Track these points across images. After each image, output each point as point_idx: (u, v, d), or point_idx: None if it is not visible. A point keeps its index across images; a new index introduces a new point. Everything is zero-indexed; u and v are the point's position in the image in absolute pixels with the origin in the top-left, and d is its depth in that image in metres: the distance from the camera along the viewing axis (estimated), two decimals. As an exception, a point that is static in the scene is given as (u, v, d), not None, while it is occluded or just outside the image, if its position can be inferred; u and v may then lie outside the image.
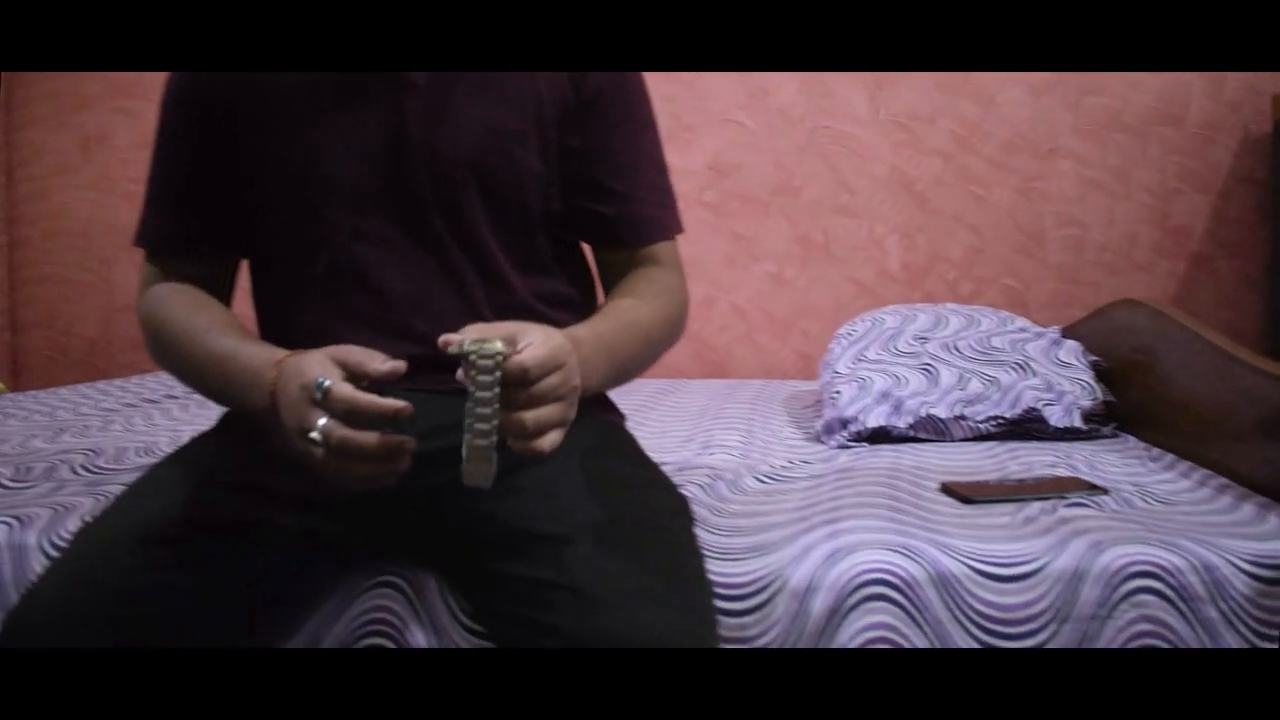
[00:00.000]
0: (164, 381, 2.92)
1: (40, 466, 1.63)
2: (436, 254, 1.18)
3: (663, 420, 2.25)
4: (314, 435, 0.93)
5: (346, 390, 0.93)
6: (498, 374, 0.88)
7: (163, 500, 1.09)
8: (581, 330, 1.09)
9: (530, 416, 0.92)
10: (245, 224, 1.23)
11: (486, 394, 0.88)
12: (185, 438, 1.92)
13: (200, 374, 1.17)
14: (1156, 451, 1.80)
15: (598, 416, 1.27)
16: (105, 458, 1.73)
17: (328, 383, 0.93)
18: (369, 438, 0.92)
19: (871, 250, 3.31)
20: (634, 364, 1.18)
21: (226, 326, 1.17)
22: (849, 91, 3.28)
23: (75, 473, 1.61)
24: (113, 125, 3.79)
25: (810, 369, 3.32)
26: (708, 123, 3.35)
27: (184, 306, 1.20)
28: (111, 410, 2.39)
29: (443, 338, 0.93)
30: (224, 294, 1.29)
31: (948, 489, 1.49)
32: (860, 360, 2.16)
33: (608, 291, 1.27)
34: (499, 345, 0.89)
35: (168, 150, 1.25)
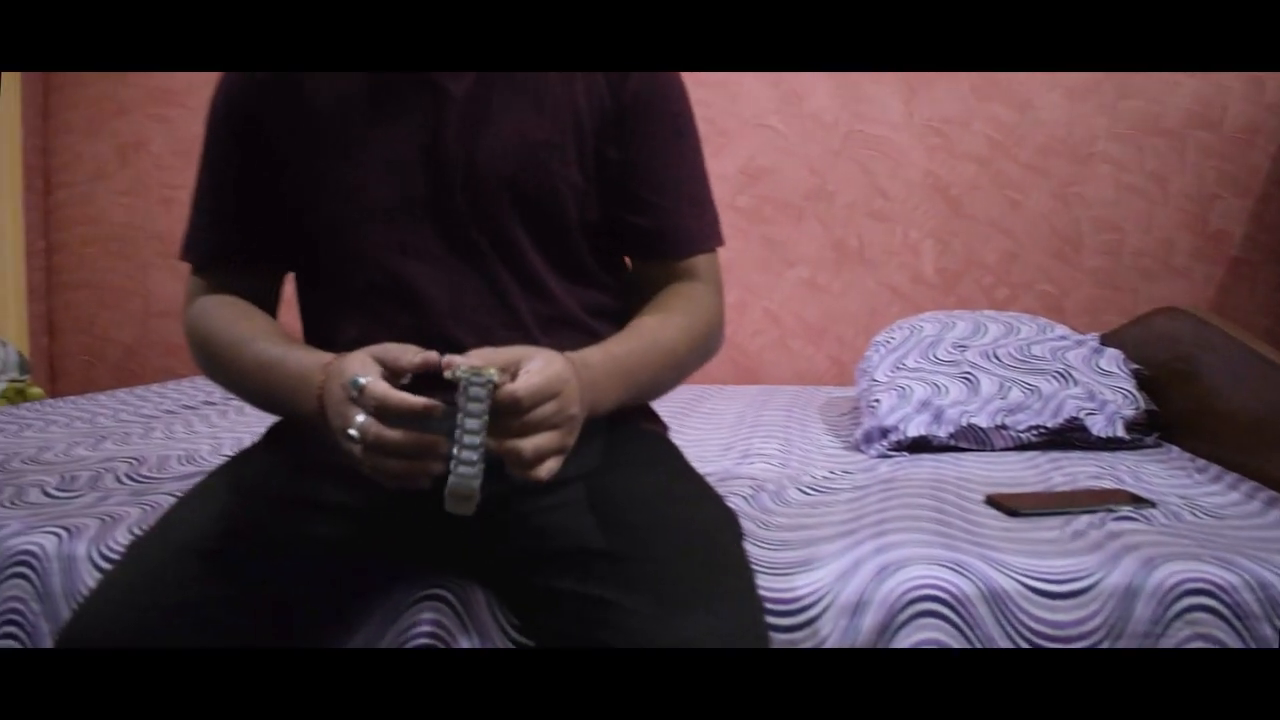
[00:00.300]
0: (201, 387, 2.94)
1: (85, 475, 1.65)
2: (478, 266, 1.18)
3: (700, 428, 2.24)
4: (352, 432, 0.94)
5: (380, 388, 0.93)
6: (488, 401, 0.89)
7: (213, 514, 1.10)
8: (594, 353, 1.08)
9: (526, 445, 0.92)
10: (289, 238, 1.24)
11: (475, 421, 0.88)
12: (226, 445, 1.95)
13: (249, 383, 1.18)
14: (1201, 462, 1.78)
15: (640, 427, 1.27)
16: (148, 466, 1.74)
17: (364, 380, 0.94)
18: (400, 434, 0.93)
19: (906, 255, 3.30)
20: (655, 384, 1.18)
21: (272, 335, 1.18)
22: (883, 95, 3.27)
23: (120, 481, 1.62)
24: (150, 132, 3.82)
25: (844, 375, 3.31)
26: (741, 127, 3.35)
27: (229, 318, 1.20)
28: (151, 417, 2.41)
29: (445, 358, 0.94)
30: (269, 306, 1.29)
31: (993, 501, 1.48)
32: (899, 368, 2.15)
33: (643, 305, 1.26)
34: (493, 373, 0.89)
35: (212, 165, 1.25)
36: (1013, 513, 1.41)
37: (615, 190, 1.22)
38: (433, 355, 0.97)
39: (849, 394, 2.84)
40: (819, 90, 3.30)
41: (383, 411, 0.93)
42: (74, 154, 3.89)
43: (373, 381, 0.94)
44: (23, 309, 3.79)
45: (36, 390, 3.28)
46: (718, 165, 3.29)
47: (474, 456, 0.89)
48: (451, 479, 0.89)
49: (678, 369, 1.20)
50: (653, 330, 1.17)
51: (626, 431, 1.21)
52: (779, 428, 2.24)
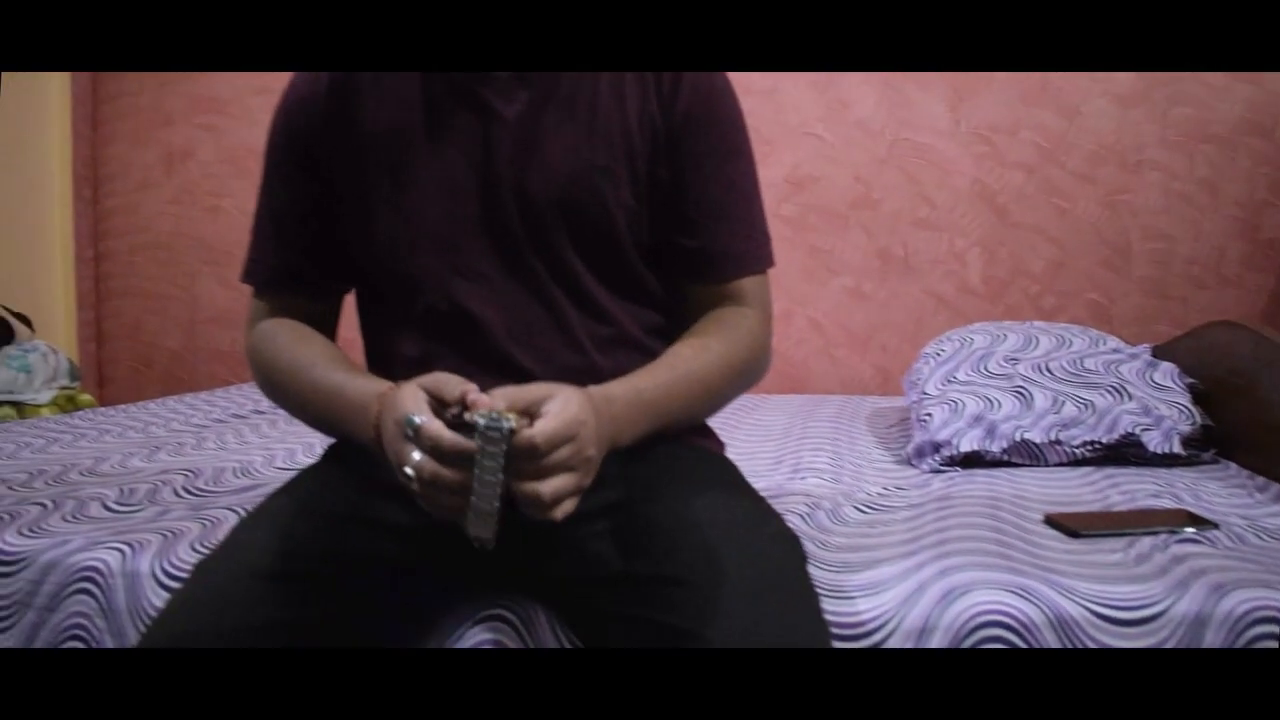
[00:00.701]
0: (249, 395, 2.96)
1: (143, 488, 1.66)
2: (534, 289, 1.18)
3: (748, 439, 2.24)
4: (408, 470, 0.96)
5: (434, 429, 0.94)
6: (504, 447, 0.91)
7: (276, 535, 1.11)
8: (619, 388, 1.08)
9: (544, 489, 0.94)
10: (348, 261, 1.25)
11: (491, 464, 0.91)
12: (278, 456, 1.96)
13: (309, 409, 1.19)
14: (1261, 480, 1.76)
15: (696, 446, 1.26)
16: (204, 478, 1.76)
17: (419, 420, 0.95)
18: (455, 475, 0.94)
19: (952, 264, 3.27)
20: (686, 415, 1.17)
21: (331, 360, 1.19)
22: (929, 103, 3.25)
23: (177, 495, 1.64)
24: (196, 141, 3.86)
25: (889, 384, 3.30)
26: (786, 135, 3.34)
27: (289, 343, 1.21)
28: (202, 426, 2.43)
29: (471, 397, 0.95)
30: (329, 326, 1.30)
31: (1053, 521, 1.46)
32: (950, 381, 2.14)
33: (690, 328, 1.25)
34: (510, 420, 0.91)
35: (271, 190, 1.26)
36: (1073, 534, 1.39)
37: (665, 211, 1.21)
38: (471, 388, 0.98)
39: (896, 404, 2.83)
40: (865, 98, 3.29)
41: (437, 452, 0.94)
42: (122, 163, 3.93)
43: (427, 422, 0.95)
44: (72, 316, 3.84)
45: (87, 397, 3.32)
46: (762, 173, 3.24)
47: (491, 496, 0.91)
48: (469, 519, 0.92)
49: (712, 398, 1.20)
50: (685, 361, 1.15)
51: (682, 450, 1.21)
52: (827, 440, 2.23)
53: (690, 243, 1.22)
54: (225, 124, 3.82)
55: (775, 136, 3.33)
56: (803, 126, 3.33)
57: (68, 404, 3.22)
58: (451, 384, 1.00)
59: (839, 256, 3.34)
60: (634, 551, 1.05)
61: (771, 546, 1.07)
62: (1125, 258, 3.18)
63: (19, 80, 3.66)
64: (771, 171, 3.32)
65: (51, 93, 3.78)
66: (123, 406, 2.81)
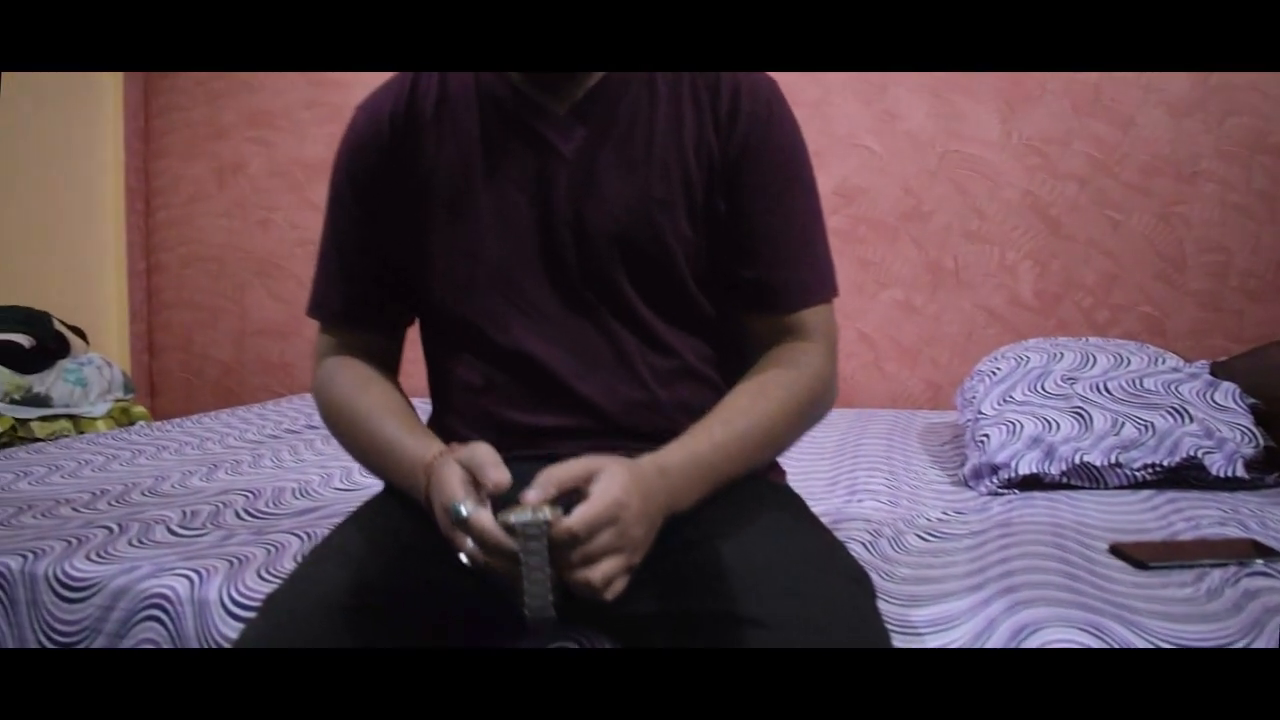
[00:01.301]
0: (300, 409, 2.99)
1: (205, 510, 1.68)
2: (592, 322, 1.18)
3: (801, 458, 2.23)
4: (461, 556, 0.98)
5: (479, 525, 0.95)
6: (544, 540, 0.91)
7: (348, 568, 1.11)
8: (675, 455, 1.07)
9: (592, 575, 0.94)
10: (410, 296, 1.26)
11: (536, 559, 0.91)
12: (335, 476, 1.98)
13: (367, 460, 1.22)
14: (1333, 507, 1.73)
15: (760, 478, 1.25)
16: (264, 500, 1.77)
17: (465, 512, 0.96)
18: (506, 565, 0.94)
19: (1003, 276, 3.25)
20: (746, 470, 1.15)
21: (386, 412, 1.20)
22: (980, 114, 3.23)
23: (239, 517, 1.65)
24: (247, 155, 3.90)
25: (940, 398, 3.27)
26: (835, 147, 3.32)
27: (350, 389, 1.23)
28: (257, 442, 2.45)
29: (529, 495, 0.94)
30: (394, 357, 1.32)
31: (1118, 551, 1.44)
32: (1007, 401, 2.12)
33: (751, 361, 1.23)
34: (546, 512, 0.91)
35: (335, 225, 1.27)
36: (1140, 565, 1.38)
37: (724, 242, 1.21)
38: (504, 480, 0.98)
39: (947, 419, 2.81)
40: (915, 109, 3.27)
41: (483, 545, 0.95)
42: (173, 177, 3.99)
43: (472, 515, 0.96)
44: (125, 328, 3.89)
45: (140, 409, 3.36)
46: (811, 186, 3.28)
47: (541, 590, 0.92)
48: (525, 613, 0.93)
49: (773, 448, 1.18)
50: (744, 414, 1.14)
51: (746, 483, 1.20)
52: (882, 459, 2.22)
53: (749, 274, 1.21)
54: (276, 138, 3.85)
55: (824, 148, 3.32)
56: (852, 138, 3.32)
57: (122, 416, 3.26)
58: (487, 472, 0.99)
59: (889, 269, 3.32)
60: (704, 591, 1.05)
61: (843, 585, 1.06)
62: (1180, 270, 3.14)
63: (72, 95, 3.72)
64: (820, 183, 3.24)
65: (104, 107, 3.84)
66: (177, 420, 2.85)
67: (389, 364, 1.30)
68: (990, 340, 3.25)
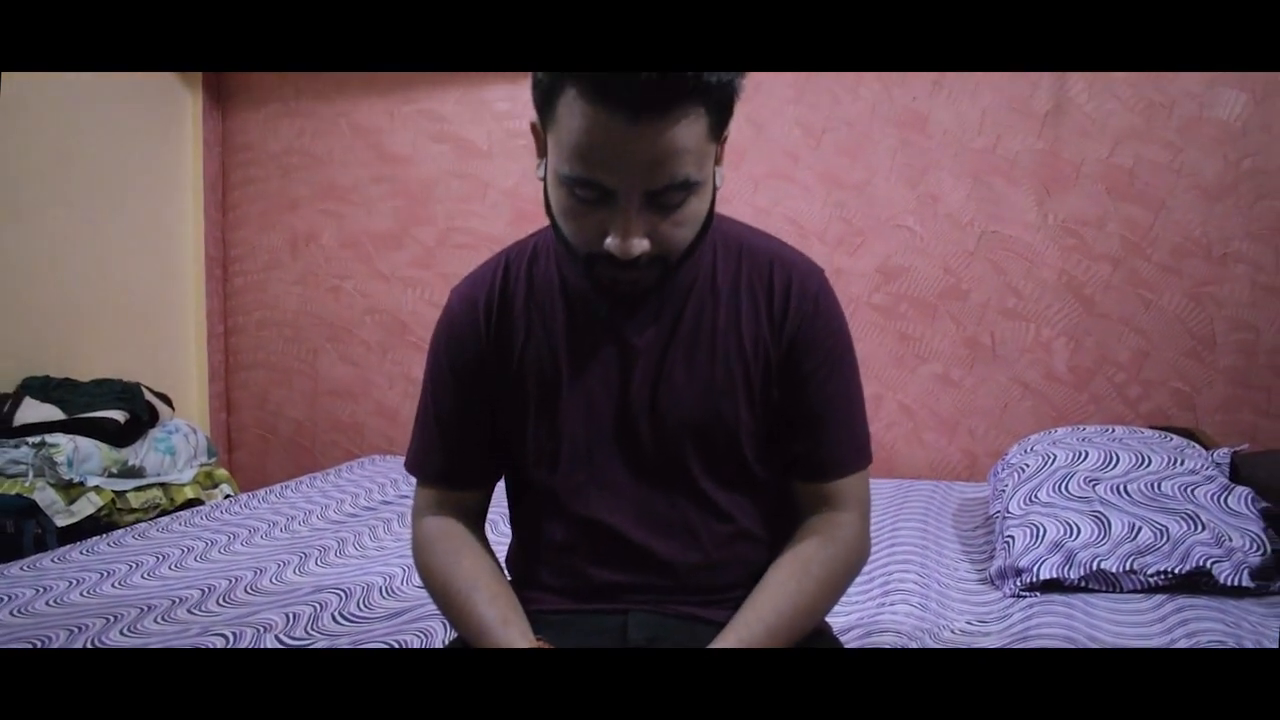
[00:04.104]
0: (373, 478, 3.20)
1: (305, 613, 1.88)
2: (662, 493, 1.36)
3: (841, 548, 2.39)
4: None
5: None
6: None
7: None
8: (729, 641, 1.22)
9: None
10: (500, 464, 1.44)
11: None
12: (412, 571, 2.17)
13: (458, 628, 1.35)
14: (1327, 620, 1.88)
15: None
16: (355, 600, 1.98)
17: None
18: None
19: (1038, 352, 3.40)
20: (790, 642, 1.29)
21: (475, 586, 1.33)
22: (1017, 197, 3.38)
23: (336, 621, 1.86)
24: (319, 226, 4.14)
25: (976, 467, 3.43)
26: (878, 227, 3.49)
27: (445, 559, 1.38)
28: (338, 523, 2.67)
29: None
30: (483, 509, 1.49)
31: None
32: (1032, 502, 2.28)
33: (794, 519, 1.40)
34: None
35: (437, 399, 1.44)
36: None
37: (777, 420, 1.38)
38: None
39: (981, 493, 2.97)
40: (955, 192, 3.43)
41: None
42: (250, 246, 4.24)
43: None
44: (204, 387, 4.14)
45: (222, 473, 3.59)
46: (855, 263, 3.47)
47: None
48: None
49: (815, 620, 1.33)
50: (790, 596, 1.28)
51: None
52: (916, 549, 2.39)
53: (798, 448, 1.38)
54: (346, 210, 4.09)
55: (868, 228, 3.49)
56: (894, 219, 3.49)
57: (206, 480, 3.49)
58: None
59: (928, 344, 3.49)
60: None
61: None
62: (1210, 348, 3.28)
63: (156, 169, 3.98)
64: (863, 262, 3.48)
65: (185, 180, 4.10)
66: (259, 493, 3.07)
67: (480, 515, 1.48)
68: (1026, 413, 3.40)
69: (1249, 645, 1.72)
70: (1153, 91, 3.26)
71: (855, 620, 1.89)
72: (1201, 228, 3.27)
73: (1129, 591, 2.05)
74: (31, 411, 3.11)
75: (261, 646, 1.72)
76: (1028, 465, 2.46)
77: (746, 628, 1.25)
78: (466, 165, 3.97)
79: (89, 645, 1.75)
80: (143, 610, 1.91)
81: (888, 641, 1.76)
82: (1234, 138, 3.21)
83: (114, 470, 3.14)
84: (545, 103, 1.15)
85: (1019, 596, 2.05)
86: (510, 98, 3.91)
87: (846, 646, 1.61)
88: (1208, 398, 3.28)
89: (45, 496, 2.93)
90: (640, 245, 1.16)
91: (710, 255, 1.36)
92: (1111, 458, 2.40)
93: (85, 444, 3.07)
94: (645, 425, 1.35)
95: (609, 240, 1.15)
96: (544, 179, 1.23)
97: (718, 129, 1.17)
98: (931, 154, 3.46)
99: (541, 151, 1.23)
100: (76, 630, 1.81)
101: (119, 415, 3.21)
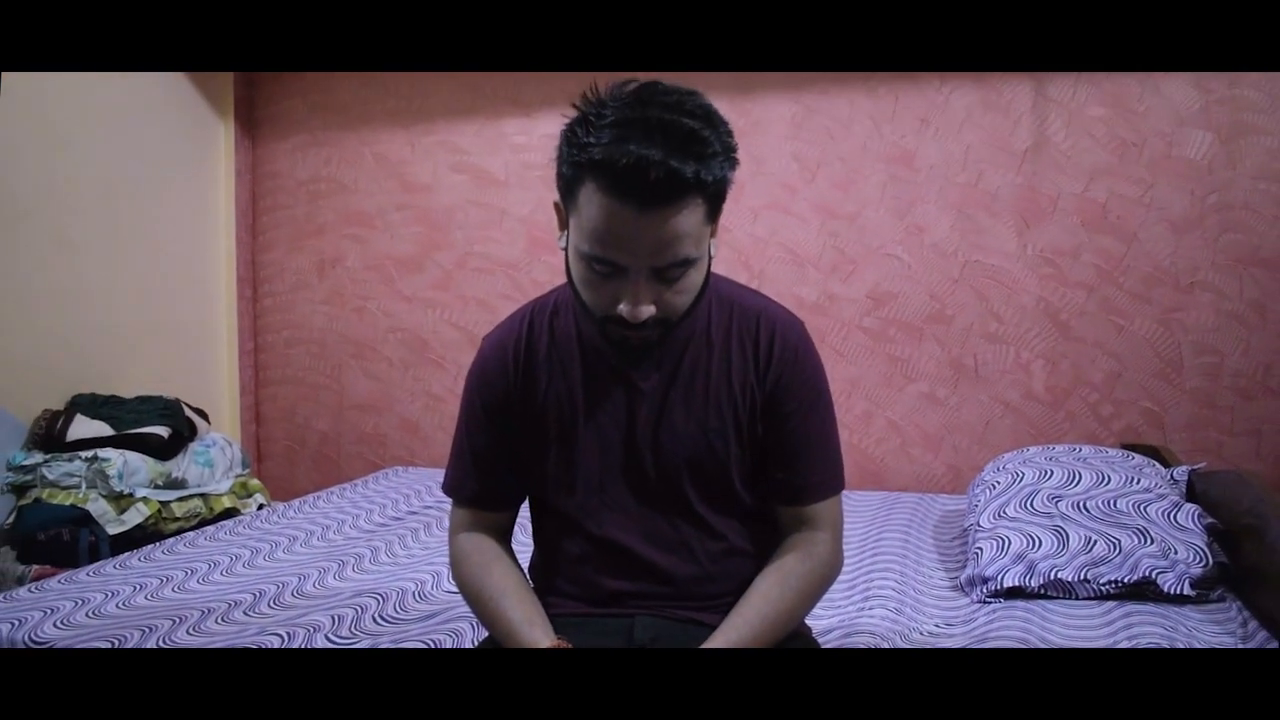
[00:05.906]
0: (399, 489, 3.44)
1: (349, 616, 2.12)
2: (663, 515, 1.58)
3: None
4: None
5: None
6: None
7: None
8: (718, 642, 1.40)
9: None
10: (524, 489, 1.67)
11: None
12: (443, 575, 2.41)
13: (490, 629, 1.57)
14: (1253, 625, 2.09)
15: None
16: (392, 604, 2.22)
17: None
18: None
19: (1018, 374, 3.63)
20: (772, 644, 1.49)
21: (504, 594, 1.54)
22: (999, 229, 3.62)
23: (377, 623, 2.10)
24: (345, 249, 4.39)
25: (959, 480, 3.67)
26: (868, 256, 3.73)
27: (477, 571, 1.60)
28: (370, 532, 2.91)
29: None
30: (510, 525, 1.71)
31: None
32: (1000, 516, 2.52)
33: (776, 536, 1.60)
34: None
35: (470, 432, 1.66)
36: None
37: (762, 453, 1.61)
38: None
39: (962, 506, 3.21)
40: (940, 224, 3.67)
41: None
42: (278, 267, 4.49)
43: None
44: (236, 402, 4.39)
45: (256, 483, 3.84)
46: (847, 289, 3.71)
47: None
48: None
49: (792, 624, 1.54)
50: (773, 603, 1.49)
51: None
52: (897, 557, 2.63)
53: (780, 476, 1.60)
54: (370, 235, 4.34)
55: (859, 256, 3.73)
56: (884, 248, 3.73)
57: (241, 489, 3.74)
58: None
59: (915, 365, 3.72)
60: None
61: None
62: (1177, 370, 3.51)
63: (191, 197, 4.23)
64: (855, 288, 3.72)
65: (218, 207, 4.35)
66: (294, 503, 3.31)
67: (507, 532, 1.70)
68: (1006, 430, 3.64)
69: (1181, 646, 1.95)
70: (1125, 130, 3.49)
71: (836, 623, 2.13)
72: (1170, 258, 3.49)
73: (1083, 599, 2.29)
74: (83, 428, 3.36)
75: (314, 645, 1.96)
76: (999, 482, 2.70)
77: (735, 630, 1.46)
78: (484, 194, 4.21)
79: (160, 644, 1.99)
80: (204, 613, 2.16)
81: (863, 642, 2.00)
82: (1200, 175, 3.43)
83: (159, 482, 3.39)
84: (568, 190, 1.36)
85: (984, 602, 2.28)
86: (525, 131, 4.16)
87: (826, 646, 1.85)
88: (1175, 416, 3.51)
89: (98, 507, 3.18)
90: (647, 310, 1.36)
91: (706, 311, 1.56)
92: (1075, 476, 2.63)
93: (133, 458, 3.33)
94: (649, 458, 1.57)
95: (621, 306, 1.36)
96: (564, 249, 1.44)
97: (712, 215, 1.37)
98: (919, 188, 3.70)
99: (563, 226, 1.44)
100: (148, 630, 2.05)
101: (163, 431, 3.46)
